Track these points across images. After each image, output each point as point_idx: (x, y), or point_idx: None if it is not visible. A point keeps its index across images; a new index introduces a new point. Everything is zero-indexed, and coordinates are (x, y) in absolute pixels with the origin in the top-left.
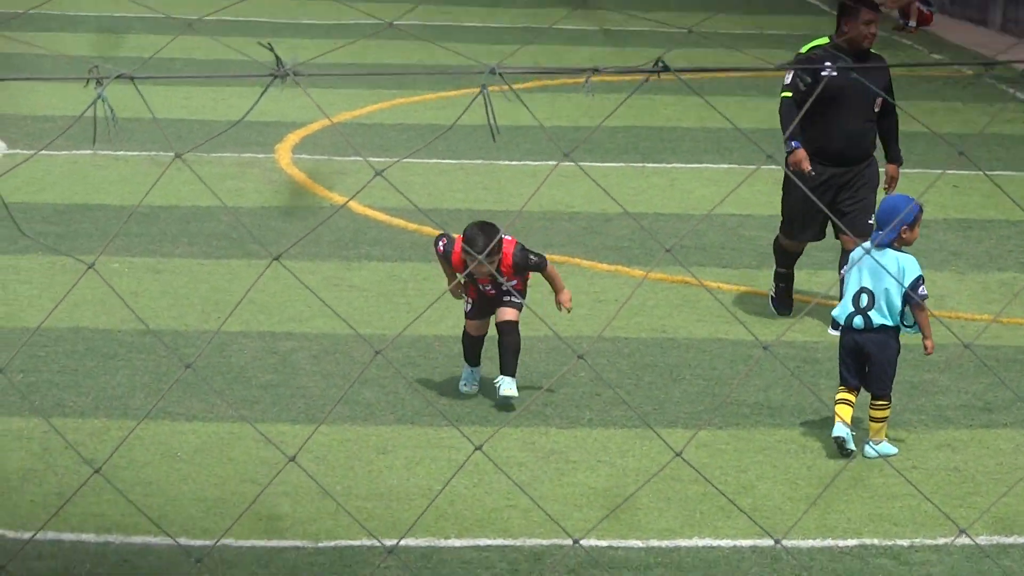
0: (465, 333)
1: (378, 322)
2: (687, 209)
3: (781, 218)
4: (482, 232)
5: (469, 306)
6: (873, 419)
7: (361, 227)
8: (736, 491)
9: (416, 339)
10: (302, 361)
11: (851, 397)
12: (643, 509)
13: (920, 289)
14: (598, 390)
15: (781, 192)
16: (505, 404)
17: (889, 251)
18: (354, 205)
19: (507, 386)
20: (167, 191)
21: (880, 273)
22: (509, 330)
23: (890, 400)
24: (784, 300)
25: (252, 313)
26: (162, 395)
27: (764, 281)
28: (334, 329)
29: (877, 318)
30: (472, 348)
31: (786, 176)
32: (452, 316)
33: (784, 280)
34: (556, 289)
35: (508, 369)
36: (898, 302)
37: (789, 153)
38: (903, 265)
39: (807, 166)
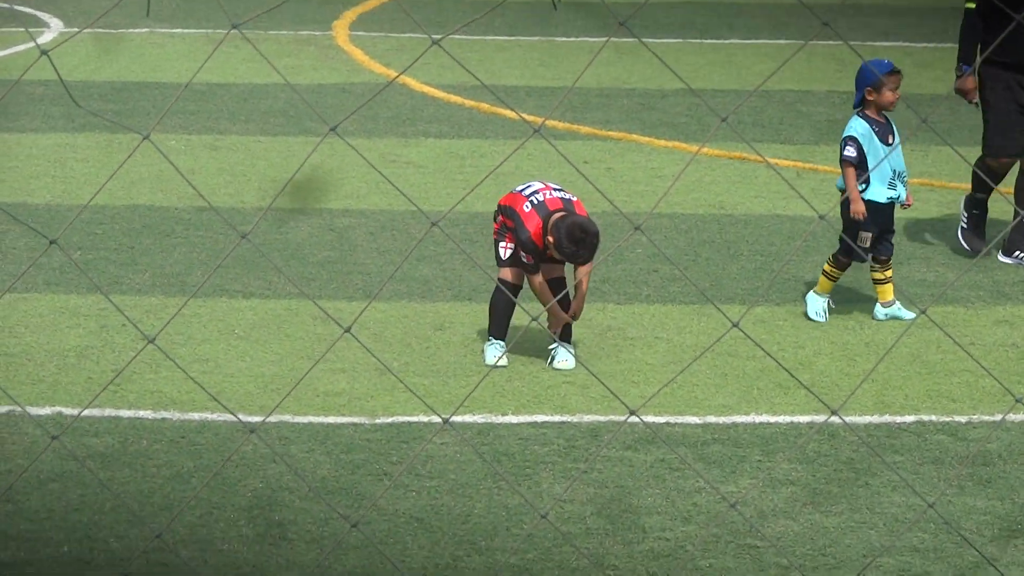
0: (499, 289)
1: (435, 198)
2: (744, 85)
3: (984, 137)
4: (586, 247)
5: (508, 252)
6: (887, 281)
7: (418, 104)
8: (793, 367)
9: (474, 215)
10: (359, 238)
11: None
12: (700, 385)
13: (845, 149)
14: (655, 266)
15: (981, 108)
16: (555, 367)
17: (853, 116)
18: (411, 82)
19: (563, 356)
20: (224, 68)
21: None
22: (562, 286)
23: (838, 255)
24: (979, 229)
25: (310, 190)
26: (216, 266)
27: (822, 157)
28: (391, 205)
29: (839, 182)
30: (506, 311)
31: (986, 85)
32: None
33: (980, 207)
34: (577, 294)
35: (566, 334)
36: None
37: (959, 77)
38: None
39: (974, 97)
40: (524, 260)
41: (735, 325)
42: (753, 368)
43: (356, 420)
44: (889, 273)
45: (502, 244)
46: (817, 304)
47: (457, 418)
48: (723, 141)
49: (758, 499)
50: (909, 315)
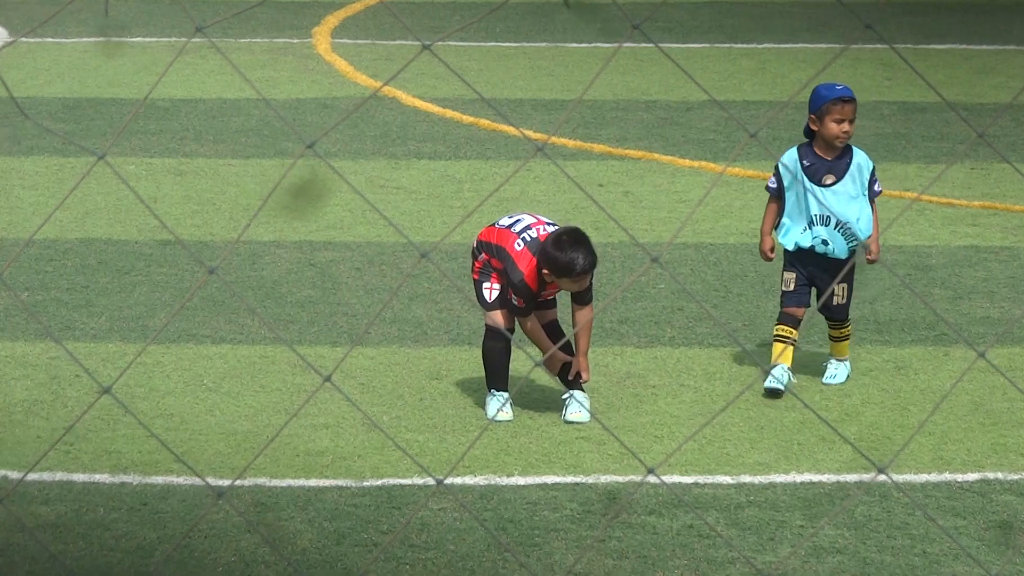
0: (490, 335)
1: (429, 227)
2: (780, 95)
3: None
4: (581, 246)
5: (495, 294)
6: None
7: (409, 120)
8: (839, 418)
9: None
10: (343, 274)
11: None
12: (732, 440)
13: (770, 179)
14: (679, 304)
15: None
16: (568, 420)
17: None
18: (401, 95)
19: (575, 408)
20: (190, 82)
21: None
22: (558, 330)
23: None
24: None
25: (287, 220)
26: (181, 307)
27: None
28: (379, 236)
29: None
30: (501, 359)
31: None
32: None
33: None
34: (579, 346)
35: (576, 383)
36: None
37: None
38: None
39: None
40: (514, 303)
41: (769, 371)
42: (793, 420)
43: (341, 483)
44: (841, 333)
45: (486, 285)
46: (775, 372)
47: (455, 480)
48: (755, 160)
49: (800, 570)
50: (840, 378)
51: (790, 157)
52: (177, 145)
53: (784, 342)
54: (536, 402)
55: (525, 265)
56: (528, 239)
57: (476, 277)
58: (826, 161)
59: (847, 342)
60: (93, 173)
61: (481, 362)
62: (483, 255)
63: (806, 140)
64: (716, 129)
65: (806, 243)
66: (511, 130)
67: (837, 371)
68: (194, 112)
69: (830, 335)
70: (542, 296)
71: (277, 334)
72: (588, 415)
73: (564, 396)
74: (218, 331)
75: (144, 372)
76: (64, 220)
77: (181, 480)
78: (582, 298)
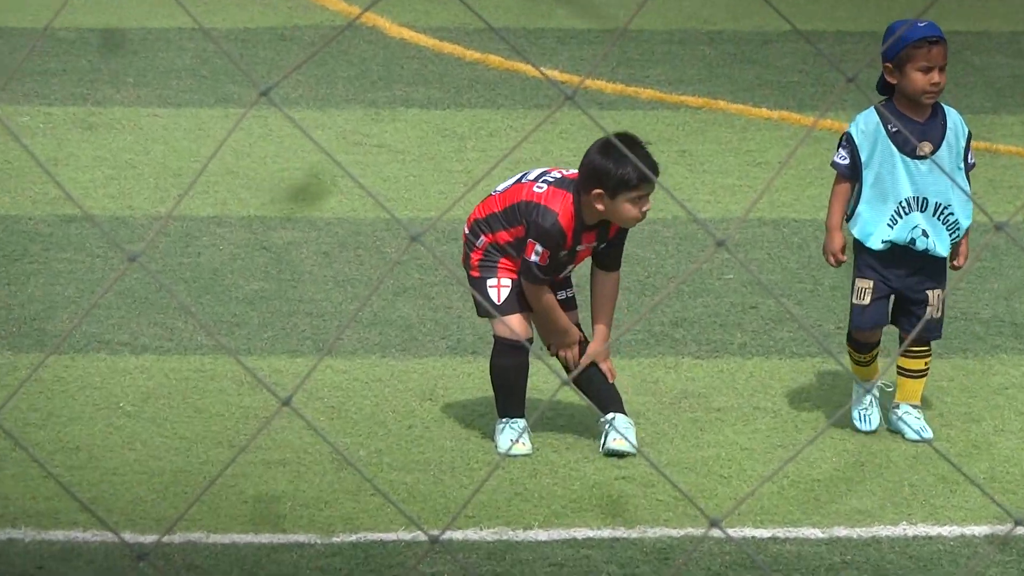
0: (501, 350)
1: (421, 200)
2: (883, 24)
3: None
4: (638, 147)
5: (506, 292)
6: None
7: (395, 57)
8: (963, 452)
9: None
10: (306, 261)
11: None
12: (823, 481)
13: (835, 154)
14: (753, 300)
15: None
16: (609, 449)
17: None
18: (385, 24)
19: (616, 435)
20: (104, 6)
21: None
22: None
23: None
24: None
25: (232, 189)
26: (92, 306)
27: (1005, 131)
28: (354, 211)
29: None
30: (517, 379)
31: None
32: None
33: None
34: (598, 327)
35: (617, 401)
36: None
37: None
38: None
39: None
40: (533, 262)
41: (868, 391)
42: (902, 454)
43: (303, 539)
44: (917, 365)
45: (491, 283)
46: (857, 402)
47: (455, 534)
48: (854, 110)
49: None
50: (924, 434)
51: (868, 120)
52: (86, 90)
53: (863, 365)
54: (562, 429)
55: (559, 204)
56: (551, 180)
57: (476, 275)
58: (917, 124)
59: (925, 379)
60: None
61: (489, 379)
62: (483, 237)
63: (884, 98)
64: (802, 68)
65: (902, 237)
66: (530, 70)
67: (921, 423)
68: (108, 47)
69: (905, 369)
70: (573, 258)
71: (218, 340)
72: (633, 446)
73: (600, 420)
74: (140, 337)
75: (41, 392)
76: None
77: (89, 536)
78: (608, 260)
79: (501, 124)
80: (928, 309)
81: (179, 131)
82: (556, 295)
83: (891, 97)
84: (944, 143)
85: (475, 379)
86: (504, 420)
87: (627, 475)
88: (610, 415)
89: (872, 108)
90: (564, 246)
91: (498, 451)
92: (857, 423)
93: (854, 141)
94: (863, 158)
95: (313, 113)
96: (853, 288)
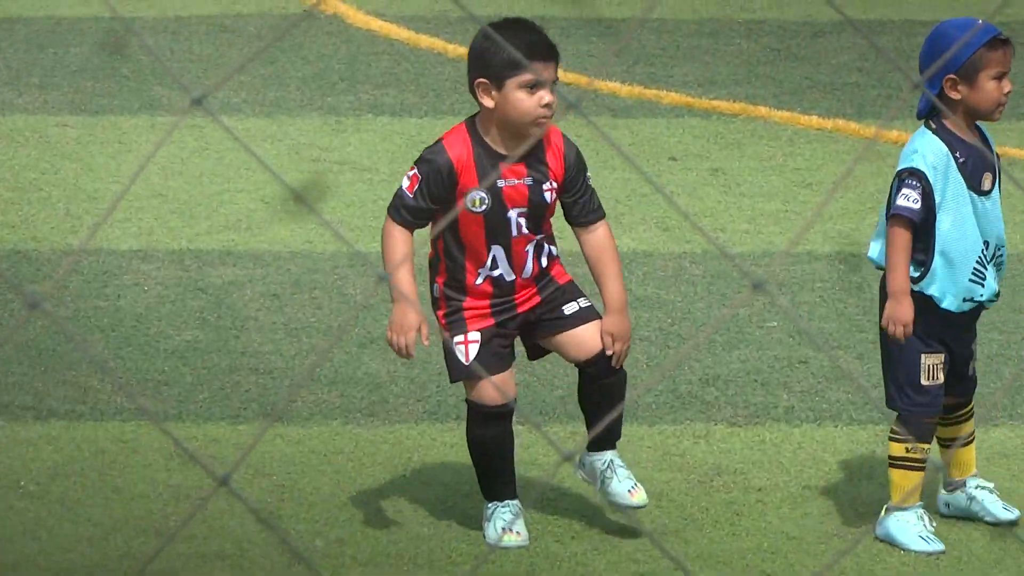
0: (476, 419)
1: None
2: (959, 13)
3: None
4: (525, 28)
5: (475, 347)
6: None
7: (361, 53)
8: None
9: None
10: (251, 304)
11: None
12: None
13: (898, 195)
14: (802, 352)
15: None
16: (623, 504)
17: (920, 129)
18: (348, 11)
19: (627, 485)
20: None
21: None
22: (607, 370)
23: (903, 427)
24: None
25: (160, 216)
26: None
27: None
28: (310, 244)
29: (870, 250)
30: (500, 453)
31: None
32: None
33: None
34: (607, 294)
35: (612, 437)
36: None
37: None
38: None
39: None
40: (400, 190)
41: (951, 486)
42: (984, 543)
43: None
44: (967, 429)
45: (458, 339)
46: (905, 527)
47: None
48: None
49: None
50: (1007, 514)
51: (936, 150)
52: None
53: (921, 468)
54: (566, 513)
55: (450, 132)
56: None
57: (446, 333)
58: (974, 148)
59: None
60: None
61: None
62: (436, 283)
63: (930, 118)
64: (861, 67)
65: (988, 294)
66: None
67: (994, 496)
68: (8, 39)
69: (955, 437)
70: (501, 204)
71: (142, 404)
72: (642, 493)
73: (594, 459)
74: (45, 399)
75: None
76: None
77: None
78: (579, 211)
79: None
80: (972, 364)
81: (95, 144)
82: (561, 309)
83: (936, 117)
84: (997, 169)
85: (458, 451)
86: (492, 504)
87: (647, 571)
88: (608, 455)
89: (929, 132)
90: (455, 181)
91: (487, 541)
92: (925, 544)
93: (927, 178)
94: (937, 199)
95: (260, 122)
96: (920, 366)
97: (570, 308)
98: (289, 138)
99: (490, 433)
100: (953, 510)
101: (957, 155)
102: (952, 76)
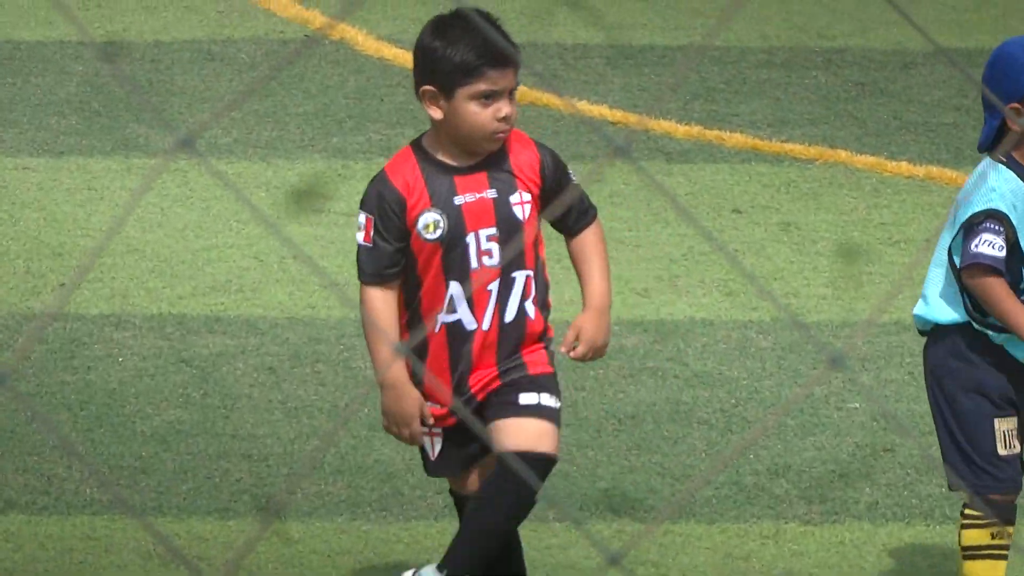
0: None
1: None
2: None
3: None
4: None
5: (439, 440)
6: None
7: (373, 84)
8: None
9: None
10: (243, 380)
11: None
12: None
13: (976, 240)
14: (888, 439)
15: None
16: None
17: (987, 162)
18: (358, 36)
19: None
20: None
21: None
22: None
23: (984, 511)
24: None
25: (138, 275)
26: None
27: None
28: (313, 309)
29: (919, 308)
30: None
31: None
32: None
33: None
34: (588, 289)
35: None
36: (945, 270)
37: None
38: (967, 187)
39: None
40: (359, 246)
41: None
42: None
43: None
44: (1009, 535)
45: (425, 429)
46: None
47: None
48: None
49: None
50: None
51: (1013, 187)
52: None
53: (1006, 557)
54: None
55: (393, 160)
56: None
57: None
58: None
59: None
60: None
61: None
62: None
63: (995, 150)
64: (958, 105)
65: None
66: (564, 106)
67: None
68: None
69: (975, 544)
70: (460, 225)
71: (116, 495)
72: None
73: None
74: (3, 489)
75: None
76: None
77: None
78: (577, 217)
79: None
80: None
81: (60, 191)
82: (518, 395)
83: (1006, 151)
84: None
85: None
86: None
87: None
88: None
89: (1002, 167)
90: (405, 209)
91: None
92: None
93: (1009, 220)
94: (1021, 240)
95: (254, 166)
96: (994, 433)
97: (527, 399)
98: (288, 184)
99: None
100: None
101: None
102: (1016, 105)
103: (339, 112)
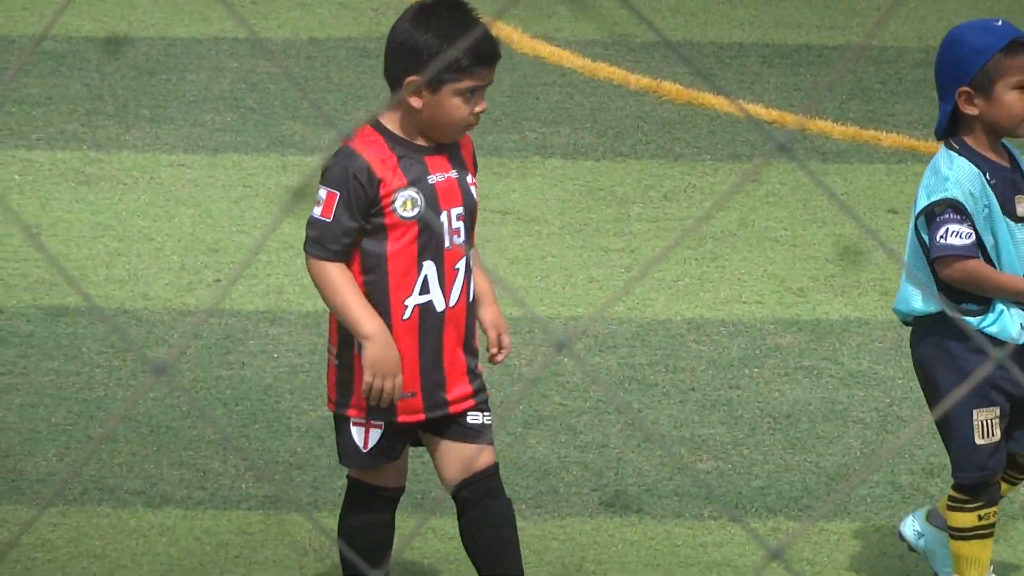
0: (363, 499)
1: (564, 291)
2: None
3: None
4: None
5: (377, 434)
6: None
7: (528, 83)
8: None
9: (651, 325)
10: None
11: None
12: None
13: (943, 231)
14: None
15: None
16: None
17: (942, 151)
18: (514, 35)
19: None
20: (111, 7)
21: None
22: (495, 492)
23: (971, 495)
24: None
25: (293, 272)
26: (97, 441)
27: None
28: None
29: (898, 301)
30: (382, 545)
31: None
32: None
33: None
34: (484, 289)
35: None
36: (921, 261)
37: None
38: (928, 185)
39: None
40: (313, 219)
41: None
42: None
43: None
44: (995, 514)
45: (359, 419)
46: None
47: None
48: None
49: None
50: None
51: (969, 174)
52: (81, 126)
53: (992, 534)
54: None
55: (356, 139)
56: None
57: (335, 393)
58: (1005, 169)
59: None
60: None
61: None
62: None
63: (951, 138)
64: None
65: None
66: (723, 104)
67: None
68: (114, 63)
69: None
70: (435, 202)
71: (274, 490)
72: None
73: None
74: (158, 484)
75: (18, 560)
76: None
77: None
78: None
79: (680, 182)
80: None
81: (215, 188)
82: (466, 414)
83: (955, 137)
84: None
85: (639, 548)
86: None
87: None
88: None
89: (955, 154)
90: (377, 184)
91: None
92: None
93: (966, 209)
94: (980, 225)
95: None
96: (973, 423)
97: (474, 418)
98: None
99: (377, 519)
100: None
101: (988, 177)
102: (966, 88)
103: (493, 111)
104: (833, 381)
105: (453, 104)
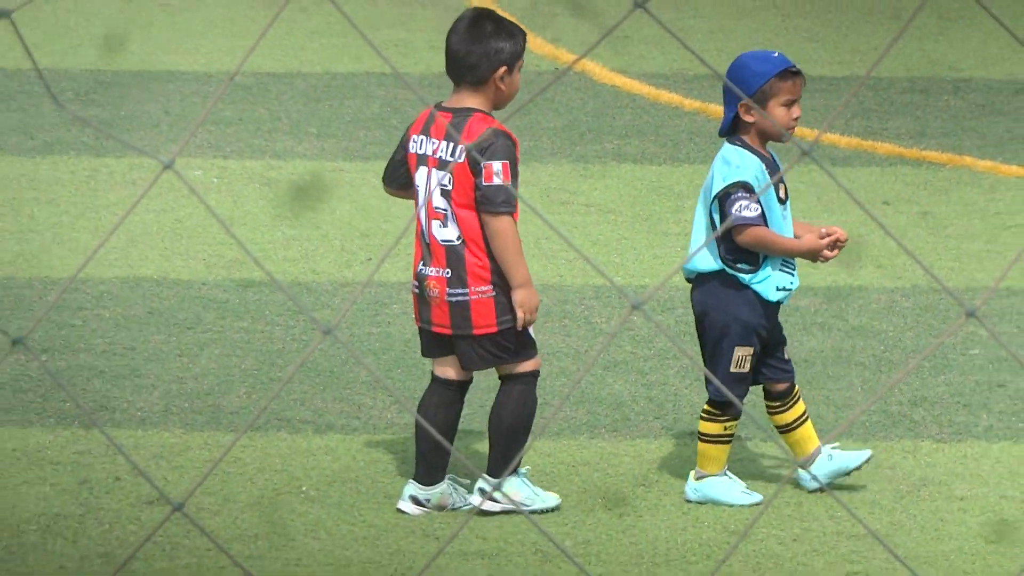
0: (529, 393)
1: (634, 265)
2: None
3: None
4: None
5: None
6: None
7: (606, 106)
8: None
9: None
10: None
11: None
12: None
13: (735, 207)
14: (1002, 377)
15: None
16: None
17: (726, 146)
18: (594, 68)
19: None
20: (284, 48)
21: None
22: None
23: (721, 410)
24: None
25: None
26: (281, 387)
27: None
28: (560, 278)
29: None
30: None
31: None
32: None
33: None
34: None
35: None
36: (705, 228)
37: None
38: (714, 168)
39: None
40: (500, 186)
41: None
42: None
43: None
44: (798, 411)
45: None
46: (727, 488)
47: None
48: None
49: None
50: (862, 455)
51: (752, 163)
52: (264, 141)
53: (730, 441)
54: (787, 518)
55: (483, 120)
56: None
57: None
58: (772, 164)
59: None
60: (135, 181)
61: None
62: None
63: (732, 137)
64: None
65: (792, 284)
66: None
67: (845, 451)
68: (289, 92)
69: (788, 422)
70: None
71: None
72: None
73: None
74: (324, 415)
75: (216, 474)
76: (99, 251)
77: None
78: (493, 202)
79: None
80: (784, 349)
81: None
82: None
83: (736, 137)
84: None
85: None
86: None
87: (861, 571)
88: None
89: (739, 148)
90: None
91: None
92: (748, 497)
93: (753, 188)
94: (764, 204)
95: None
96: (732, 357)
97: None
98: (541, 183)
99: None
100: (823, 477)
101: (765, 168)
102: (745, 103)
103: (580, 127)
104: (840, 334)
105: (518, 81)
